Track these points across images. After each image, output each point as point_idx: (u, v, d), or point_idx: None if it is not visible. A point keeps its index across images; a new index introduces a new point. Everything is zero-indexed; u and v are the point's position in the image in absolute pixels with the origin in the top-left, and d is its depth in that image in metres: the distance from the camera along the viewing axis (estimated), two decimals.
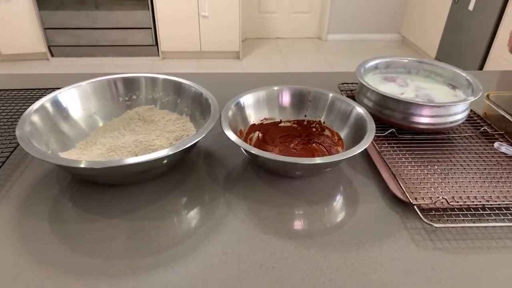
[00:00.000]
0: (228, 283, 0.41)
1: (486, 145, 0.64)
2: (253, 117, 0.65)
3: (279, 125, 0.67)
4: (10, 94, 0.76)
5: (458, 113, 0.64)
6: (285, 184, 0.56)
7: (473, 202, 0.51)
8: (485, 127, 0.67)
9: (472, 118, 0.71)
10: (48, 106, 0.58)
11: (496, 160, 0.60)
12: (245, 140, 0.62)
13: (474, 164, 0.59)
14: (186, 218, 0.50)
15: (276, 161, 0.50)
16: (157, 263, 0.43)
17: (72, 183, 0.55)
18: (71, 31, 3.03)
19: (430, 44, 3.24)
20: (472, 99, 0.63)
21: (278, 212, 0.51)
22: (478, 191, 0.53)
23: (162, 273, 0.42)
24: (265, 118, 0.66)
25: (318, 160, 0.50)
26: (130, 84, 0.68)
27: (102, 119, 0.65)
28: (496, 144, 0.62)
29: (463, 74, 0.72)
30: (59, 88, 0.62)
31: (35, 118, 0.55)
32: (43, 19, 2.94)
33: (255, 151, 0.50)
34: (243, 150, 0.53)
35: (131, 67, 3.09)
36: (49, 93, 0.61)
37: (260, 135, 0.65)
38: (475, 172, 0.57)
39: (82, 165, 0.45)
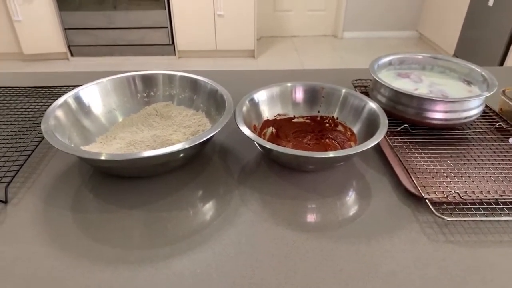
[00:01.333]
0: (242, 271, 0.42)
1: (502, 140, 0.64)
2: (267, 113, 0.66)
3: (293, 120, 0.68)
4: (34, 91, 0.79)
5: (473, 109, 0.64)
6: (298, 178, 0.57)
7: (486, 196, 0.51)
8: (500, 122, 0.67)
9: (488, 114, 0.71)
10: (71, 102, 0.61)
11: (511, 155, 0.60)
12: (259, 135, 0.63)
13: (488, 160, 0.59)
14: (201, 209, 0.52)
15: (289, 155, 0.52)
16: (174, 252, 0.45)
17: (93, 175, 0.57)
18: (90, 31, 3.10)
19: (448, 41, 3.18)
20: (486, 94, 0.63)
21: (291, 205, 0.52)
22: (492, 185, 0.53)
23: (179, 261, 0.44)
24: (278, 114, 0.68)
25: (330, 154, 0.51)
26: (148, 81, 0.70)
27: (121, 114, 0.67)
28: (511, 140, 0.61)
29: (478, 70, 0.71)
30: (80, 85, 0.65)
31: (59, 113, 0.57)
32: (63, 19, 3.02)
33: (268, 145, 0.51)
34: (256, 145, 0.54)
35: (148, 66, 3.15)
36: (71, 90, 0.63)
37: (274, 130, 0.66)
38: (489, 167, 0.57)
39: (103, 157, 0.47)
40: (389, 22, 3.73)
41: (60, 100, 0.59)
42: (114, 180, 0.56)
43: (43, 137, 0.51)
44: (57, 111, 0.57)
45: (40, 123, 0.54)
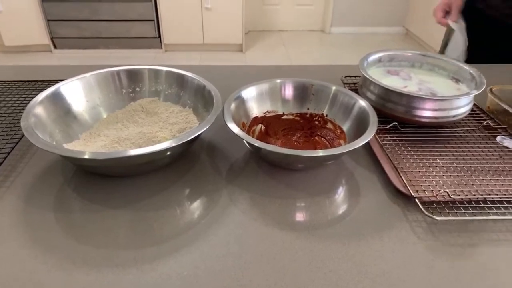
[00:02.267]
0: (230, 273, 0.41)
1: (489, 139, 0.64)
2: (256, 110, 0.65)
3: (282, 118, 0.67)
4: (14, 86, 0.77)
5: (461, 107, 0.64)
6: (287, 176, 0.56)
7: (474, 195, 0.51)
8: (488, 121, 0.67)
9: (475, 112, 0.71)
10: (52, 97, 0.58)
11: (499, 154, 0.60)
12: (248, 133, 0.62)
13: (477, 158, 0.59)
14: (189, 209, 0.51)
15: (279, 154, 0.51)
16: (160, 253, 0.44)
17: (76, 174, 0.55)
18: (74, 23, 3.03)
19: (434, 37, 3.21)
20: (475, 92, 0.63)
21: (280, 204, 0.51)
22: (480, 184, 0.53)
23: (165, 262, 0.42)
24: (267, 111, 0.67)
25: (320, 152, 0.50)
26: (134, 76, 0.68)
27: (105, 111, 0.65)
28: (498, 138, 0.62)
29: (467, 68, 0.71)
30: (63, 80, 0.62)
31: (40, 110, 0.55)
32: (46, 10, 2.94)
33: (257, 143, 0.50)
34: (245, 143, 0.53)
35: (134, 59, 3.09)
36: (53, 84, 0.61)
37: (263, 127, 0.65)
38: (477, 166, 0.57)
39: (86, 156, 0.45)
40: (377, 18, 3.74)
41: (41, 95, 0.57)
42: (98, 178, 0.55)
43: (24, 134, 0.49)
44: (37, 107, 0.55)
45: (20, 119, 0.51)
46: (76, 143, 0.57)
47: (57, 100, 0.59)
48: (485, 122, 0.67)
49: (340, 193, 0.54)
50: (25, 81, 0.78)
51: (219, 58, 3.18)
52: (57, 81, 0.75)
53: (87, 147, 0.56)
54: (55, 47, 3.15)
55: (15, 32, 2.94)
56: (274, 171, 0.57)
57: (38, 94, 0.58)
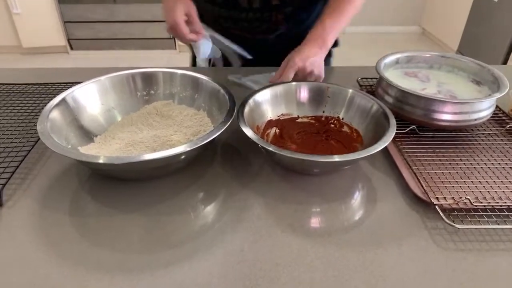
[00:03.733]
0: (245, 281, 0.41)
1: None
2: (270, 113, 0.65)
3: (297, 121, 0.66)
4: (31, 89, 0.77)
5: (483, 110, 0.62)
6: (302, 181, 0.55)
7: (497, 203, 0.49)
8: (511, 124, 0.65)
9: (498, 115, 0.69)
10: (68, 100, 0.59)
11: None
12: (262, 136, 0.61)
13: (499, 163, 0.57)
14: (203, 213, 0.50)
15: (293, 158, 0.50)
16: (175, 259, 0.43)
17: (91, 177, 0.55)
18: (90, 24, 3.07)
19: (451, 36, 3.15)
20: (497, 95, 0.61)
21: (295, 210, 0.50)
22: (503, 191, 0.51)
23: (179, 269, 0.42)
24: (282, 114, 0.66)
25: (336, 157, 0.49)
26: (148, 79, 0.68)
27: (120, 113, 0.65)
28: None
29: (488, 69, 0.69)
30: (78, 82, 0.63)
31: (55, 113, 0.55)
32: (63, 12, 2.98)
33: (272, 148, 0.49)
34: (260, 147, 0.53)
35: (148, 60, 3.12)
36: (69, 87, 0.61)
37: (277, 131, 0.64)
38: (500, 172, 0.55)
39: (101, 161, 0.45)
40: (392, 17, 3.69)
41: (57, 99, 0.57)
42: (113, 182, 0.54)
43: (39, 138, 0.49)
44: (53, 110, 0.55)
45: (37, 122, 0.52)
46: (91, 146, 0.57)
47: (73, 103, 0.59)
48: (508, 126, 0.65)
49: (357, 199, 0.53)
50: (41, 84, 0.79)
51: None
52: (73, 83, 0.76)
53: (101, 150, 0.57)
54: (71, 48, 3.20)
55: (32, 34, 2.99)
56: (289, 176, 0.56)
57: (54, 96, 0.58)
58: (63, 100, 0.58)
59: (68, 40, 3.14)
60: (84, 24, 3.07)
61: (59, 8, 2.95)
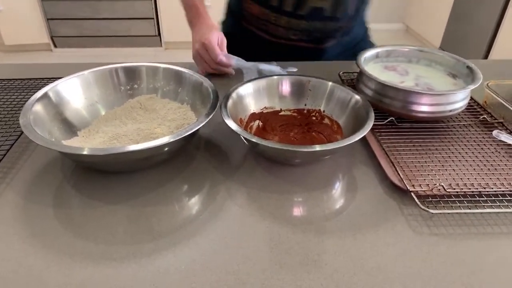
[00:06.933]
0: (227, 267, 0.42)
1: (485, 133, 0.64)
2: (253, 106, 0.66)
3: (279, 114, 0.68)
4: (13, 84, 0.77)
5: (458, 102, 0.64)
6: (284, 171, 0.57)
7: (469, 189, 0.51)
8: (484, 115, 0.67)
9: (472, 107, 0.71)
10: (51, 94, 0.59)
11: (495, 148, 0.60)
12: (245, 129, 0.62)
13: (473, 152, 0.59)
14: (187, 204, 0.51)
15: (276, 149, 0.51)
16: (159, 248, 0.44)
17: (75, 170, 0.56)
18: (74, 21, 3.04)
19: (434, 33, 3.21)
20: (471, 87, 0.63)
21: (277, 199, 0.52)
22: (475, 178, 0.53)
23: (163, 257, 0.43)
24: (265, 107, 0.67)
25: (317, 147, 0.50)
26: (132, 73, 0.68)
27: (104, 108, 0.65)
28: (495, 132, 0.62)
29: (464, 63, 0.71)
30: (61, 78, 0.63)
31: (38, 107, 0.55)
32: (46, 9, 2.94)
33: (255, 139, 0.51)
34: (243, 139, 0.54)
35: (134, 57, 3.09)
36: (51, 82, 0.61)
37: (260, 123, 0.65)
38: (473, 160, 0.57)
39: (85, 152, 0.46)
40: (376, 14, 3.73)
41: (40, 93, 0.57)
42: (97, 174, 0.55)
43: (23, 131, 0.50)
44: (36, 104, 0.55)
45: (19, 117, 0.52)
46: (75, 140, 0.58)
47: (56, 97, 0.59)
48: (481, 117, 0.67)
49: (337, 188, 0.55)
50: (24, 79, 0.78)
51: None
52: (56, 78, 0.76)
53: (85, 144, 0.57)
54: (55, 46, 3.16)
55: (15, 31, 2.94)
56: (271, 167, 0.58)
57: (36, 92, 0.58)
58: (46, 94, 0.58)
59: (52, 37, 3.10)
60: (68, 21, 3.03)
61: (42, 5, 2.91)
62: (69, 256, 0.43)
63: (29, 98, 0.57)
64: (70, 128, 0.60)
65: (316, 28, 0.85)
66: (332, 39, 0.91)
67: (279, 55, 0.85)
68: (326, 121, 0.65)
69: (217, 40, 0.77)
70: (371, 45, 1.02)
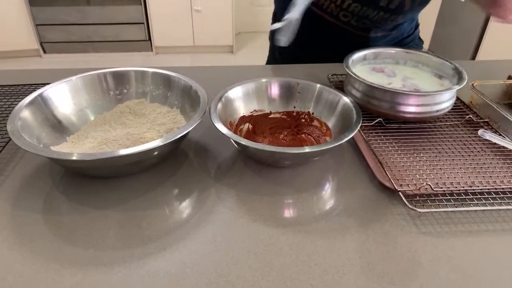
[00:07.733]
0: (218, 269, 0.42)
1: (471, 132, 0.65)
2: (243, 109, 0.66)
3: (269, 116, 0.68)
4: (1, 90, 0.76)
5: (444, 102, 0.65)
6: (274, 173, 0.57)
7: (456, 187, 0.52)
8: (470, 115, 0.68)
9: (458, 107, 0.73)
10: (39, 100, 0.59)
11: (480, 147, 0.61)
12: (235, 132, 0.63)
13: (459, 151, 0.60)
14: (177, 208, 0.51)
15: (265, 151, 0.51)
16: (149, 252, 0.44)
17: (64, 176, 0.55)
18: (63, 27, 3.02)
19: (423, 36, 3.25)
20: (457, 88, 0.64)
21: (267, 201, 0.52)
22: (462, 177, 0.54)
23: (153, 261, 0.43)
24: (254, 110, 0.67)
25: (306, 149, 0.51)
26: (120, 78, 0.68)
27: (93, 113, 0.65)
28: (480, 132, 0.63)
29: (449, 64, 0.73)
30: (50, 83, 0.63)
31: (26, 113, 0.55)
32: (35, 15, 2.92)
33: (244, 141, 0.51)
34: (233, 142, 0.54)
35: (124, 62, 3.09)
36: (39, 88, 0.61)
37: (250, 126, 0.66)
38: (460, 159, 0.58)
39: (74, 158, 0.46)
40: None
41: (27, 99, 0.57)
42: (86, 180, 0.55)
43: (10, 139, 0.49)
44: (24, 110, 0.55)
45: (6, 123, 0.51)
46: (64, 146, 0.57)
47: (44, 103, 0.59)
48: (467, 117, 0.68)
49: (327, 189, 0.55)
50: (11, 85, 0.78)
51: (209, 60, 3.19)
52: (44, 84, 0.75)
53: (74, 150, 0.57)
54: (44, 52, 3.13)
55: (3, 37, 2.92)
56: (261, 169, 0.58)
57: (23, 98, 0.58)
58: (34, 100, 0.58)
59: (41, 43, 3.08)
60: (57, 27, 3.01)
61: (31, 11, 2.89)
62: (58, 262, 0.42)
63: (17, 104, 0.56)
64: (59, 133, 0.59)
65: (367, 15, 0.86)
66: (380, 30, 0.92)
67: (327, 35, 0.91)
68: (315, 123, 0.66)
69: None
70: (419, 42, 1.01)
